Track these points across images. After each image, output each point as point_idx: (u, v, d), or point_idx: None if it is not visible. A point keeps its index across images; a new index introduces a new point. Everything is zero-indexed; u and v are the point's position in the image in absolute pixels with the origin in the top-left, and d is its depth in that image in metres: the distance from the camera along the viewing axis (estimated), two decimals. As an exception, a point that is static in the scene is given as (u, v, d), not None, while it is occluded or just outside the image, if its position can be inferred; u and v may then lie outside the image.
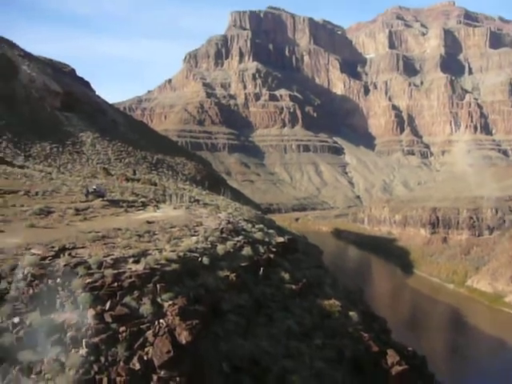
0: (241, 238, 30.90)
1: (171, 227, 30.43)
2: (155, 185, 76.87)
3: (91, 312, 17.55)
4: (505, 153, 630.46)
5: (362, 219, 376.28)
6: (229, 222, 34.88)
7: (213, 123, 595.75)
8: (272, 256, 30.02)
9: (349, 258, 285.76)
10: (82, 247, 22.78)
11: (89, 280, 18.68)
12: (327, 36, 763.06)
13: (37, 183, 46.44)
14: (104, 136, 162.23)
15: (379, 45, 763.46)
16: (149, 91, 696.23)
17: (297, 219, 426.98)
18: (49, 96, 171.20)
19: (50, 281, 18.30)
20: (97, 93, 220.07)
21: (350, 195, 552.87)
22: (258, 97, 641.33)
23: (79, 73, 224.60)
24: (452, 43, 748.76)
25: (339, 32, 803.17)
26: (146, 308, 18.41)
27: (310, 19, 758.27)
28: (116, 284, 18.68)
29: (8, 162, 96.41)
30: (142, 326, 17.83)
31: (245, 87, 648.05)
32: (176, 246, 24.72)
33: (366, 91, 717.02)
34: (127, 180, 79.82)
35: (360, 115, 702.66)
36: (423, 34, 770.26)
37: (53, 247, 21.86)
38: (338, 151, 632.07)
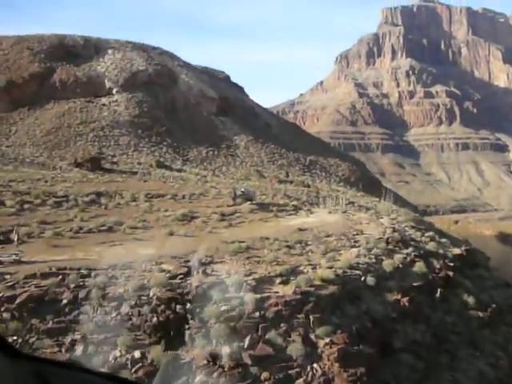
0: (410, 249, 25.55)
1: (327, 236, 26.08)
2: (308, 186, 73.32)
3: (226, 350, 13.65)
4: None
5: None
6: (394, 230, 29.54)
7: (365, 123, 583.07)
8: (450, 273, 24.22)
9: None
10: (221, 262, 19.22)
11: (225, 307, 14.87)
12: (488, 25, 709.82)
13: (185, 186, 44.93)
14: (257, 139, 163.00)
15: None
16: (301, 94, 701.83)
17: (456, 222, 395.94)
18: (205, 102, 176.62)
19: (178, 306, 14.80)
20: (250, 97, 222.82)
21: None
22: (412, 94, 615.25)
23: (233, 79, 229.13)
24: None
25: (501, 20, 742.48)
26: (295, 347, 14.17)
27: (468, 9, 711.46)
28: (258, 314, 14.69)
29: (167, 166, 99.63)
30: (290, 372, 13.62)
31: (398, 85, 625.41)
32: (333, 261, 20.28)
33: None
34: (280, 182, 77.44)
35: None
36: None
37: (187, 261, 18.56)
38: (501, 148, 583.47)
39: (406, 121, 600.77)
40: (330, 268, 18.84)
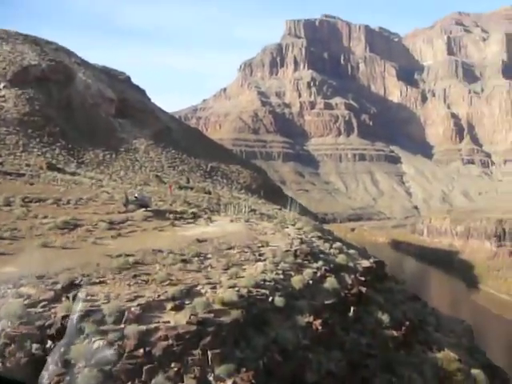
0: (320, 263, 23.33)
1: (229, 248, 23.28)
2: (209, 193, 70.49)
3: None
4: None
5: (421, 230, 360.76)
6: (302, 241, 27.32)
7: (267, 132, 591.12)
8: (363, 289, 22.32)
9: (408, 271, 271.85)
10: (100, 282, 15.65)
11: (98, 344, 11.51)
12: (383, 43, 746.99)
13: (73, 190, 40.39)
14: (158, 143, 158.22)
15: (437, 51, 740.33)
16: (204, 100, 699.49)
17: (352, 229, 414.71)
18: (103, 103, 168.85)
19: (35, 345, 11.28)
20: (152, 101, 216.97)
21: (408, 205, 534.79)
22: (312, 105, 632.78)
23: (138, 82, 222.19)
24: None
25: (396, 39, 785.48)
26: (189, 395, 11.09)
27: (366, 27, 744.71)
28: (142, 351, 11.51)
29: (60, 168, 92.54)
30: (182, 428, 10.59)
31: (300, 96, 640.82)
32: (236, 278, 17.51)
33: (424, 99, 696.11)
34: (180, 188, 73.89)
35: (417, 123, 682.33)
36: (484, 40, 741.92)
37: (55, 283, 14.83)
38: (394, 160, 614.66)
39: (306, 130, 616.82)
40: (233, 287, 16.05)
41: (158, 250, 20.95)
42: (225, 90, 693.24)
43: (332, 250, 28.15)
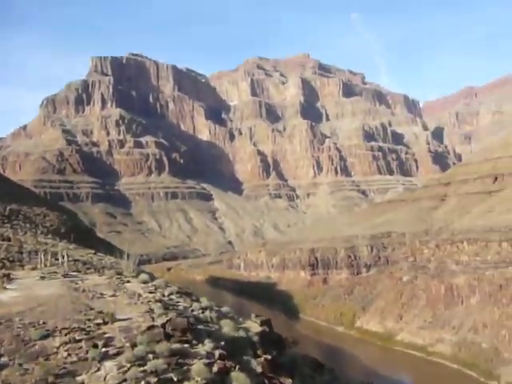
0: (208, 344, 14.32)
1: (43, 337, 13.12)
2: (8, 240, 56.63)
3: None
4: (364, 193, 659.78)
5: (237, 265, 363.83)
6: (165, 306, 17.89)
7: (74, 172, 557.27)
8: (279, 381, 13.86)
9: (229, 306, 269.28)
10: None
11: None
12: (191, 83, 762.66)
13: None
14: None
15: (242, 92, 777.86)
16: (0, 138, 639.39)
17: (169, 269, 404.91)
18: None
19: None
20: None
21: (222, 241, 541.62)
22: (122, 144, 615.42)
23: None
24: (309, 92, 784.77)
25: (203, 80, 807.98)
26: None
27: (174, 66, 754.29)
28: None
29: None
30: None
31: (108, 134, 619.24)
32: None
33: (232, 137, 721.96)
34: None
35: (226, 161, 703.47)
36: (283, 83, 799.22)
37: None
38: (206, 197, 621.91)
39: (116, 170, 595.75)
40: None
41: None
42: (25, 127, 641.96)
43: (208, 314, 19.32)
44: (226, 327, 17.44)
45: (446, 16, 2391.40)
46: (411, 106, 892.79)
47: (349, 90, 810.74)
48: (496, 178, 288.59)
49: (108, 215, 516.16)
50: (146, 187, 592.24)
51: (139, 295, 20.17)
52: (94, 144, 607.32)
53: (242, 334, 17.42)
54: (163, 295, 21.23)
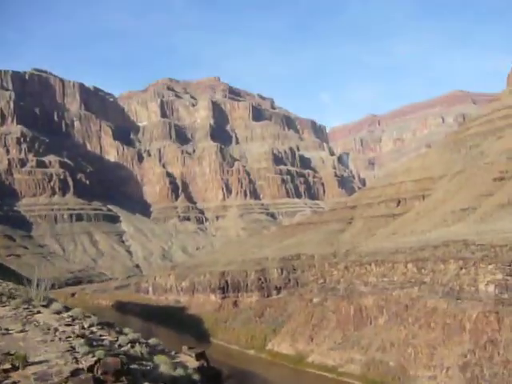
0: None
1: None
2: None
3: None
4: (273, 215, 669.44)
5: (146, 289, 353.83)
6: (89, 343, 15.01)
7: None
8: None
9: (138, 332, 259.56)
10: None
11: None
12: (99, 102, 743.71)
13: None
14: None
15: (152, 113, 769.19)
16: None
17: (73, 294, 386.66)
18: None
19: None
20: None
21: (129, 264, 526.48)
22: (23, 163, 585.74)
23: None
24: (219, 115, 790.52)
25: (111, 99, 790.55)
26: None
27: (81, 84, 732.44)
28: None
29: None
30: None
31: (8, 152, 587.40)
32: None
33: (140, 158, 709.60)
34: None
35: (135, 182, 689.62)
36: (193, 105, 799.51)
37: None
38: (113, 219, 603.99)
39: (16, 190, 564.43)
40: None
41: None
42: None
43: (139, 348, 16.59)
44: (163, 365, 14.92)
45: (351, 46, 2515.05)
46: (318, 131, 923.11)
47: (258, 114, 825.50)
48: (399, 202, 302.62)
49: (6, 238, 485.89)
50: (48, 208, 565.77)
51: (55, 329, 17.01)
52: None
53: (180, 372, 14.92)
54: (83, 327, 18.21)
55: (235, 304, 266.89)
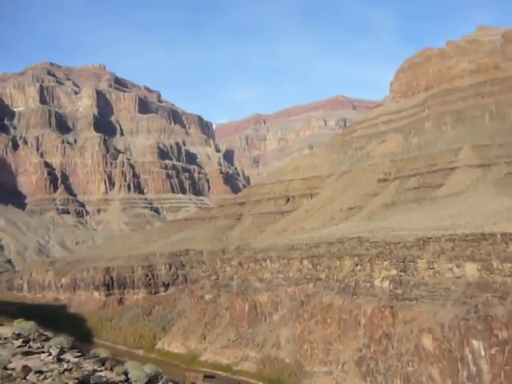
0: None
1: None
2: None
3: None
4: (156, 210, 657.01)
5: (20, 286, 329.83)
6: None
7: None
8: None
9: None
10: None
11: None
12: None
13: None
14: None
15: (29, 98, 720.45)
16: None
17: None
18: None
19: None
20: None
21: (0, 259, 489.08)
22: None
23: None
24: (104, 105, 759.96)
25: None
26: None
27: None
28: None
29: None
30: None
31: None
32: None
33: (15, 146, 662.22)
34: None
35: (8, 172, 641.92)
36: (76, 93, 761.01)
37: None
38: None
39: None
40: None
41: None
42: None
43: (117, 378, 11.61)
44: None
45: (237, 47, 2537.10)
46: (205, 127, 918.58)
47: (145, 107, 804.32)
48: (288, 199, 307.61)
49: None
50: None
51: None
52: None
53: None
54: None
55: (121, 301, 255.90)
